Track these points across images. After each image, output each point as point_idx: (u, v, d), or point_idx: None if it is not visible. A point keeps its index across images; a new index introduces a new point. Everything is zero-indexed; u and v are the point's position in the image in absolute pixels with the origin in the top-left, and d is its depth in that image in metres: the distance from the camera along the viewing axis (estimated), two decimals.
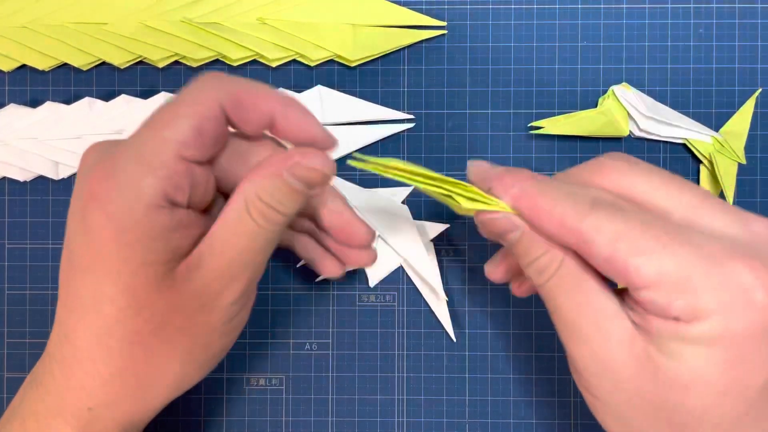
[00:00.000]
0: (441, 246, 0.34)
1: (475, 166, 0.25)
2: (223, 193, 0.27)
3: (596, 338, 0.22)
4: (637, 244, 0.21)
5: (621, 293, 0.23)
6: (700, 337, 0.21)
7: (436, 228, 0.34)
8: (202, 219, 0.25)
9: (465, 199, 0.24)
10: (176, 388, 0.25)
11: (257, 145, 0.26)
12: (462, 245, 0.34)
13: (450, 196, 0.24)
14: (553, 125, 0.34)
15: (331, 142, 0.26)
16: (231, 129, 0.25)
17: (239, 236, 0.24)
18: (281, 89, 0.34)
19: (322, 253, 0.29)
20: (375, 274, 0.34)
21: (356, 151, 0.34)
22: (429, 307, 0.34)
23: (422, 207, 0.35)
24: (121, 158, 0.23)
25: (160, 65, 0.34)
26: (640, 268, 0.21)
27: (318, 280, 0.34)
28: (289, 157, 0.24)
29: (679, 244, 0.21)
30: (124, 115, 0.34)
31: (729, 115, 0.34)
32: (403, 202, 0.34)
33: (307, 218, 0.29)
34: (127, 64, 0.34)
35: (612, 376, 0.22)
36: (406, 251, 0.33)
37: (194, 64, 0.34)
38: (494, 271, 0.28)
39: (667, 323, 0.21)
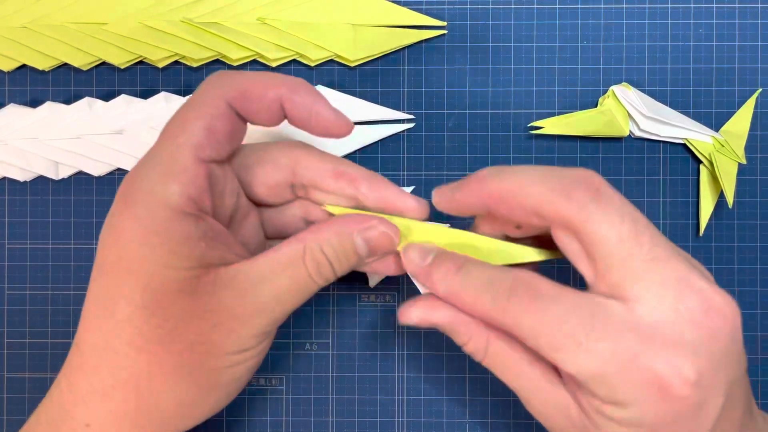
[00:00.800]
0: None
1: (436, 203, 0.26)
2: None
3: (537, 404, 0.25)
4: (554, 342, 0.22)
5: None
6: (621, 421, 0.22)
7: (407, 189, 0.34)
8: (229, 235, 0.25)
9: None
10: (176, 409, 0.24)
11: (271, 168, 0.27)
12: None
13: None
14: (553, 125, 0.34)
15: (345, 124, 0.26)
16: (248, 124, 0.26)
17: (284, 277, 0.24)
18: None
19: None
20: (375, 276, 0.34)
21: (356, 151, 0.34)
22: None
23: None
24: (143, 168, 0.24)
25: (160, 65, 0.34)
26: (561, 363, 0.22)
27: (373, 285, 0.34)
28: (363, 220, 0.25)
29: (594, 340, 0.22)
30: (124, 115, 0.34)
31: (729, 115, 0.34)
32: None
33: None
34: (127, 64, 0.34)
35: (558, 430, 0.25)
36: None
37: (194, 64, 0.34)
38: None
39: (593, 401, 0.23)
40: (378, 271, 0.27)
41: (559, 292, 0.23)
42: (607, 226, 0.22)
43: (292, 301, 0.25)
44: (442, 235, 0.26)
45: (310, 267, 0.24)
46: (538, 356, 0.24)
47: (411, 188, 0.34)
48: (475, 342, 0.25)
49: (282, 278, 0.24)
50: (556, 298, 0.23)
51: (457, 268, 0.25)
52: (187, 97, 0.34)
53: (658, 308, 0.22)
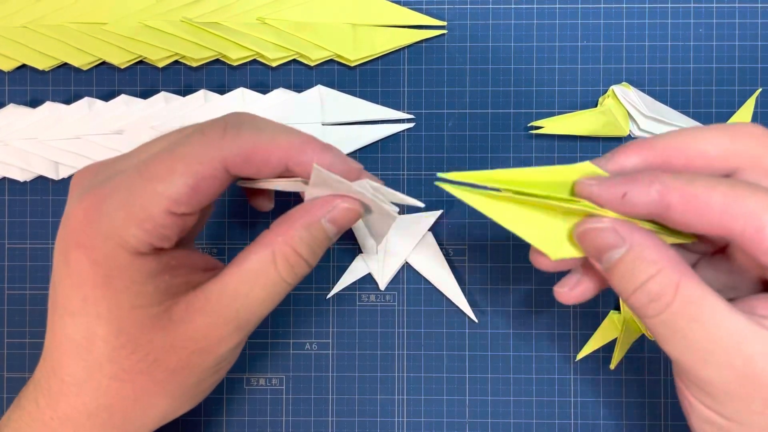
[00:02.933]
0: (441, 246, 0.34)
1: (592, 185, 0.21)
2: None
3: (740, 362, 0.20)
4: None
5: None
6: None
7: (431, 217, 0.34)
8: (191, 254, 0.24)
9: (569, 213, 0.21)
10: (162, 419, 0.25)
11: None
12: (461, 245, 0.34)
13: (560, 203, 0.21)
14: (553, 125, 0.34)
15: (356, 171, 0.24)
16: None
17: (257, 288, 0.23)
18: (281, 88, 0.34)
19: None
20: (383, 278, 0.34)
21: (356, 150, 0.34)
22: (429, 307, 0.34)
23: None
24: (107, 202, 0.22)
25: (160, 65, 0.34)
26: None
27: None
28: (326, 203, 0.23)
29: None
30: (124, 115, 0.34)
31: (729, 115, 0.34)
32: (429, 229, 0.34)
33: None
34: (127, 64, 0.34)
35: (764, 394, 0.20)
36: (429, 273, 0.34)
37: (194, 64, 0.34)
38: (570, 291, 0.24)
39: None
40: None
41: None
42: None
43: (266, 309, 0.24)
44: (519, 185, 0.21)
45: (283, 270, 0.23)
46: (733, 305, 0.21)
47: (439, 213, 0.34)
48: (665, 277, 0.20)
49: (255, 290, 0.23)
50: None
51: (665, 172, 0.21)
52: (188, 96, 0.34)
53: None
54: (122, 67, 0.34)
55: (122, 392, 0.23)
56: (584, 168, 0.22)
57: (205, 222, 0.27)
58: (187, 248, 0.25)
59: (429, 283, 0.34)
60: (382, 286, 0.34)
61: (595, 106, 0.34)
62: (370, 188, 0.24)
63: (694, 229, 0.21)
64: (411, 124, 0.34)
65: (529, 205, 0.21)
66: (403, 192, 0.34)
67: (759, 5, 0.34)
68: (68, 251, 0.22)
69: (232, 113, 0.24)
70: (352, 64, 0.34)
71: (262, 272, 0.23)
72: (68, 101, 0.34)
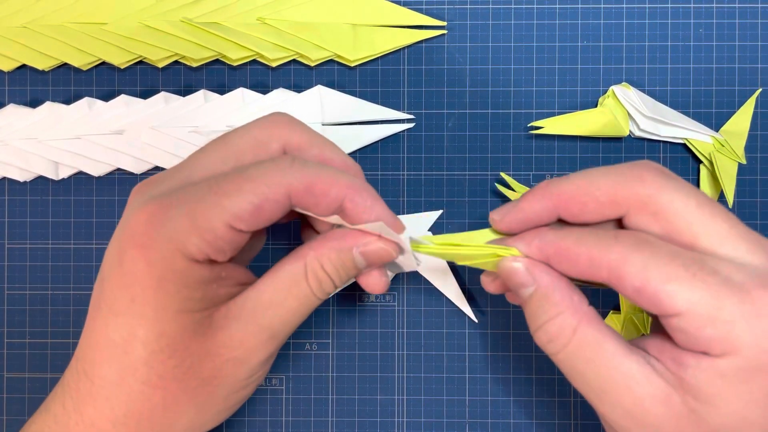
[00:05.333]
0: None
1: (498, 222, 0.25)
2: None
3: (629, 401, 0.22)
4: (666, 271, 0.21)
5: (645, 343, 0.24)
6: (736, 372, 0.21)
7: (431, 217, 0.34)
8: (238, 268, 0.25)
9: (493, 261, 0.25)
10: None
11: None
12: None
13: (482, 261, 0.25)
14: (553, 125, 0.34)
15: (398, 228, 0.25)
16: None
17: (291, 298, 0.24)
18: (281, 88, 0.34)
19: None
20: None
21: (356, 151, 0.34)
22: (429, 307, 0.34)
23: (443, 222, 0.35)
24: (172, 209, 0.23)
25: (160, 65, 0.34)
26: (672, 295, 0.21)
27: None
28: (364, 236, 0.25)
29: (708, 273, 0.21)
30: (124, 115, 0.34)
31: (729, 115, 0.34)
32: (429, 230, 0.34)
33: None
34: (127, 64, 0.34)
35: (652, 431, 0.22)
36: (429, 274, 0.34)
37: (194, 64, 0.34)
38: (489, 282, 0.27)
39: (702, 362, 0.21)
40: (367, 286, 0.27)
41: (663, 241, 0.22)
42: (684, 194, 0.22)
43: (297, 321, 0.25)
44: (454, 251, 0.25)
45: (313, 284, 0.25)
46: (631, 348, 0.23)
47: (439, 213, 0.34)
48: (563, 320, 0.23)
49: (289, 300, 0.24)
50: (663, 243, 0.22)
51: (549, 228, 0.24)
52: (188, 96, 0.34)
53: (755, 258, 0.22)
54: (122, 67, 0.34)
55: (153, 399, 0.23)
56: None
57: (257, 250, 0.28)
58: (236, 264, 0.26)
59: (429, 283, 0.34)
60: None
61: (595, 106, 0.34)
62: (408, 240, 0.26)
63: (577, 277, 0.23)
64: (411, 124, 0.34)
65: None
66: (403, 192, 0.35)
67: (759, 5, 0.34)
68: (124, 251, 0.23)
69: (291, 118, 0.26)
70: (352, 64, 0.34)
71: (295, 283, 0.24)
72: (68, 101, 0.34)
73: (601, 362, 0.22)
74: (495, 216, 0.25)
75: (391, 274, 0.30)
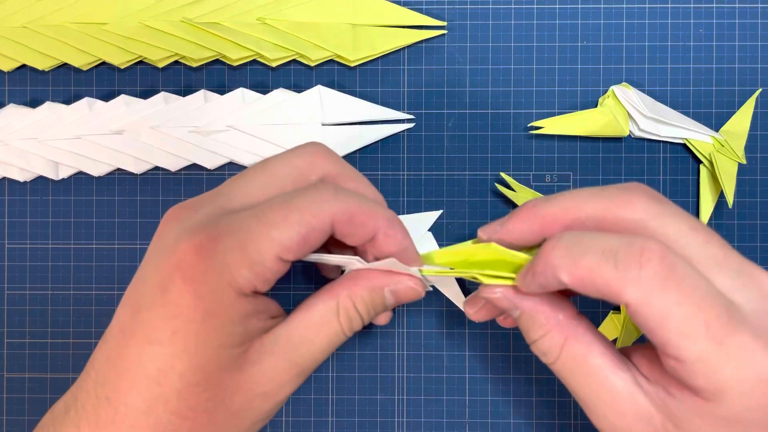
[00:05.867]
0: (441, 246, 0.34)
1: (485, 241, 0.25)
2: None
3: (613, 416, 0.23)
4: (686, 326, 0.20)
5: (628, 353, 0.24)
6: (719, 417, 0.21)
7: (431, 217, 0.34)
8: (271, 300, 0.25)
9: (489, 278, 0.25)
10: None
11: None
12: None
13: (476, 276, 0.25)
14: (553, 125, 0.34)
15: (418, 263, 0.26)
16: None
17: (322, 336, 0.25)
18: (281, 88, 0.34)
19: None
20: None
21: (356, 151, 0.34)
22: (429, 307, 0.34)
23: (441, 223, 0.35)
24: (223, 241, 0.22)
25: (160, 65, 0.34)
26: (683, 349, 0.20)
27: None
28: (394, 275, 0.26)
29: (724, 335, 0.20)
30: (124, 115, 0.34)
31: (729, 115, 0.34)
32: (429, 230, 0.34)
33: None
34: (127, 64, 0.34)
35: None
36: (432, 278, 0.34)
37: (194, 64, 0.34)
38: (475, 314, 0.27)
39: (688, 399, 0.21)
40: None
41: (694, 272, 0.21)
42: (676, 219, 0.22)
43: (324, 357, 0.25)
44: (463, 252, 0.26)
45: (344, 322, 0.25)
46: (619, 363, 0.23)
47: (439, 213, 0.34)
48: (551, 339, 0.23)
49: (320, 337, 0.25)
50: (695, 280, 0.21)
51: (557, 239, 0.22)
52: (188, 96, 0.34)
53: (747, 294, 0.21)
54: (122, 67, 0.34)
55: (180, 429, 0.23)
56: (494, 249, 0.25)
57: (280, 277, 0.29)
58: (265, 296, 0.26)
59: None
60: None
61: (595, 106, 0.34)
62: (418, 272, 0.26)
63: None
64: (411, 124, 0.34)
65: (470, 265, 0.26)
66: (403, 192, 0.35)
67: (759, 5, 0.34)
68: (170, 282, 0.22)
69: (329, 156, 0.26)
70: (352, 64, 0.34)
71: (327, 321, 0.25)
72: (68, 101, 0.34)
73: (588, 377, 0.23)
74: (482, 235, 0.26)
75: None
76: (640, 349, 0.24)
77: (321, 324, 0.25)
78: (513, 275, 0.24)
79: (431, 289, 0.28)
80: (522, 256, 0.24)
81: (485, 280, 0.25)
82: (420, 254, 0.26)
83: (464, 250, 0.26)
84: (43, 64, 0.34)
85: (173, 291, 0.22)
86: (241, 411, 0.24)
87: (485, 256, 0.25)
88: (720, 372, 0.20)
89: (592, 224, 0.23)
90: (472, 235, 0.34)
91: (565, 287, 0.22)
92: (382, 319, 0.28)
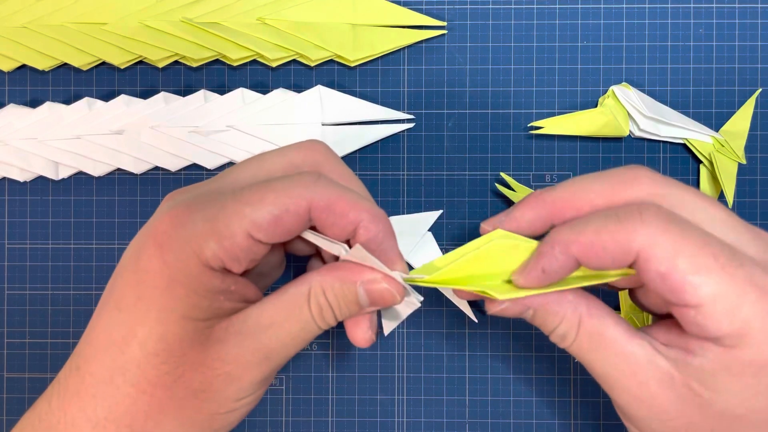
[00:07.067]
0: (441, 246, 0.34)
1: (518, 280, 0.24)
2: None
3: (634, 386, 0.23)
4: (696, 261, 0.21)
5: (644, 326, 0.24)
6: (744, 364, 0.21)
7: (431, 217, 0.34)
8: (247, 284, 0.25)
9: (499, 291, 0.24)
10: None
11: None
12: (461, 245, 0.34)
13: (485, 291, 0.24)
14: (553, 125, 0.34)
15: (400, 267, 0.26)
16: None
17: (291, 321, 0.24)
18: (281, 88, 0.34)
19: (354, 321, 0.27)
20: (389, 324, 0.32)
21: (356, 151, 0.34)
22: (429, 307, 0.34)
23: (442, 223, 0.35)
24: (194, 212, 0.23)
25: (160, 65, 0.34)
26: (698, 287, 0.21)
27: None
28: (370, 272, 0.24)
29: (736, 266, 0.21)
30: (124, 115, 0.34)
31: (729, 115, 0.34)
32: (429, 230, 0.34)
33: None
34: (127, 64, 0.34)
35: (659, 416, 0.23)
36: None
37: (194, 64, 0.34)
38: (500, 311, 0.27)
39: (710, 351, 0.21)
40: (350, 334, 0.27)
41: (689, 222, 0.22)
42: (680, 188, 0.23)
43: (295, 345, 0.25)
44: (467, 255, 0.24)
45: (314, 310, 0.24)
46: (635, 332, 0.23)
47: (438, 213, 0.34)
48: (567, 321, 0.23)
49: (290, 321, 0.24)
50: (689, 224, 0.21)
51: (567, 226, 0.23)
52: (188, 96, 0.34)
53: (760, 251, 0.22)
54: (122, 67, 0.34)
55: (137, 404, 0.23)
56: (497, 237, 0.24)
57: (275, 277, 0.28)
58: (248, 280, 0.25)
59: None
60: (386, 331, 0.33)
61: (595, 106, 0.34)
62: (400, 277, 0.25)
63: (601, 268, 0.23)
64: (411, 124, 0.34)
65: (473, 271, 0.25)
66: (403, 192, 0.35)
67: (759, 5, 0.34)
68: (142, 249, 0.23)
69: (320, 145, 0.26)
70: (352, 64, 0.34)
71: (297, 305, 0.24)
72: (68, 101, 0.34)
73: (605, 349, 0.23)
74: (486, 226, 0.25)
75: (392, 324, 0.29)
76: (653, 325, 0.24)
77: (291, 308, 0.24)
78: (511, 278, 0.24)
79: (419, 304, 0.26)
80: (529, 240, 0.24)
81: (493, 294, 0.24)
82: (407, 261, 0.25)
83: (465, 251, 0.25)
84: (43, 64, 0.34)
85: (144, 257, 0.23)
86: (201, 391, 0.23)
87: (486, 257, 0.24)
88: (739, 310, 0.20)
89: (603, 203, 0.23)
90: (472, 235, 0.34)
91: (568, 270, 0.23)
92: (361, 338, 0.26)
